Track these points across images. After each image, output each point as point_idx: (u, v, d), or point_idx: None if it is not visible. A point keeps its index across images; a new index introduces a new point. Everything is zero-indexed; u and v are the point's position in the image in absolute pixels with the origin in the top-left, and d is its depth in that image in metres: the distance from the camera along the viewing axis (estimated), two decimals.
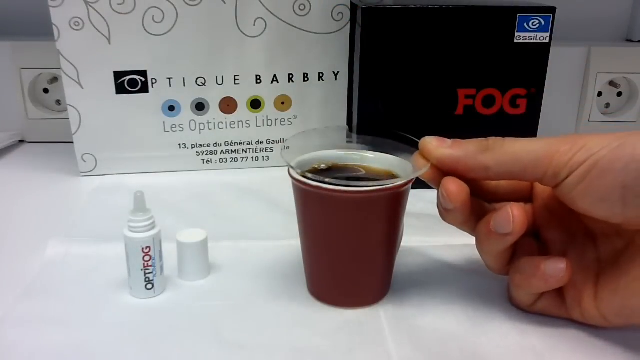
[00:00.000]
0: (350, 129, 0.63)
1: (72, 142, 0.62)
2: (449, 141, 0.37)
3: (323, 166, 0.41)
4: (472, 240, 0.50)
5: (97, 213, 0.54)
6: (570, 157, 0.33)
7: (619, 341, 0.36)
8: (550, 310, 0.38)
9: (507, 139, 0.35)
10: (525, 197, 0.40)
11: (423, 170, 0.37)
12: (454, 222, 0.38)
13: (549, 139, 0.34)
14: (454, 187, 0.36)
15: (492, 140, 0.36)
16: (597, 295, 0.35)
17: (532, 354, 0.35)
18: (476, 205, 0.38)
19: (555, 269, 0.35)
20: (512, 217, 0.34)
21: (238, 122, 0.64)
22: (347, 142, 0.45)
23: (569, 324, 0.38)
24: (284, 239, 0.48)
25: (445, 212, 0.37)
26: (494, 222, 0.35)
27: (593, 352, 0.35)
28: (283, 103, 0.64)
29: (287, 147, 0.40)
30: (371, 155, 0.41)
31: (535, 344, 0.36)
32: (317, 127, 0.65)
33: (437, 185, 0.37)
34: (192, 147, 0.64)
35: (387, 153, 0.41)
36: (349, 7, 0.61)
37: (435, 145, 0.37)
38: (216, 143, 0.64)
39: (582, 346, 0.36)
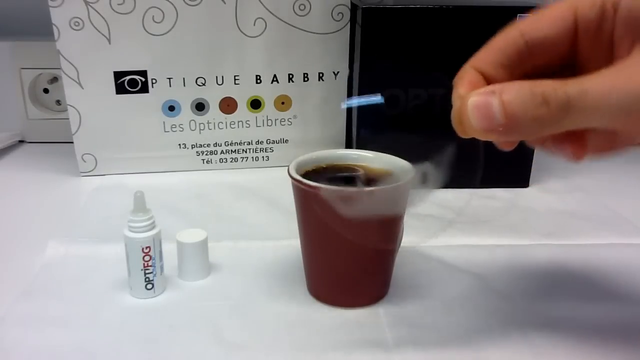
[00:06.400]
0: (350, 126, 0.63)
1: (72, 142, 0.62)
2: (498, 117, 0.27)
3: (323, 166, 0.41)
4: (471, 240, 0.50)
5: (97, 213, 0.54)
6: None
7: (619, 339, 0.36)
8: None
9: (572, 91, 0.26)
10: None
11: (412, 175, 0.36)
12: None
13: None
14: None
15: (555, 105, 0.26)
16: None
17: (532, 353, 0.35)
18: None
19: None
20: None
21: (238, 122, 0.64)
22: None
23: (569, 322, 0.38)
24: (284, 239, 0.48)
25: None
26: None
27: (593, 350, 0.35)
28: (283, 103, 0.64)
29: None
30: (370, 155, 0.41)
31: (536, 342, 0.36)
32: (316, 127, 0.65)
33: None
34: (192, 147, 0.64)
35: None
36: (349, 7, 0.61)
37: (480, 130, 0.28)
38: (216, 143, 0.64)
39: (582, 344, 0.36)
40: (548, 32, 0.31)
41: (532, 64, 0.31)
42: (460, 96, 0.30)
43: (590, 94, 0.26)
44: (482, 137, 0.29)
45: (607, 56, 0.31)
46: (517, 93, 0.27)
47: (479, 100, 0.28)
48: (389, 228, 0.38)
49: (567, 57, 0.32)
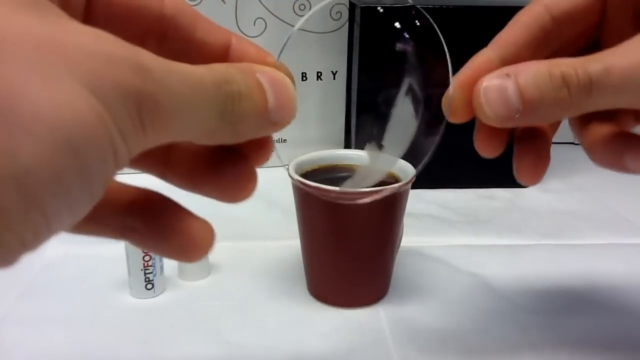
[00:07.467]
0: (348, 131, 0.63)
1: None
2: (514, 103, 0.24)
3: (323, 166, 0.41)
4: (471, 240, 0.50)
5: None
6: None
7: (619, 339, 0.36)
8: None
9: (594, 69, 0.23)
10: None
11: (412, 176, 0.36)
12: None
13: None
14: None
15: (576, 84, 0.23)
16: None
17: (533, 352, 0.35)
18: None
19: None
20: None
21: None
22: None
23: (569, 322, 0.38)
24: (284, 239, 0.48)
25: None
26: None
27: (593, 350, 0.35)
28: None
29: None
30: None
31: (536, 341, 0.36)
32: (315, 126, 0.65)
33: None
34: None
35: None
36: (348, 6, 0.61)
37: (495, 118, 0.25)
38: None
39: (582, 344, 0.36)
40: (576, 1, 0.27)
41: (559, 42, 0.28)
42: (461, 84, 0.28)
43: (614, 72, 0.23)
44: (497, 125, 0.25)
45: (636, 26, 0.27)
46: (534, 75, 0.24)
47: (493, 84, 0.25)
48: (388, 227, 0.38)
49: (595, 30, 0.28)
